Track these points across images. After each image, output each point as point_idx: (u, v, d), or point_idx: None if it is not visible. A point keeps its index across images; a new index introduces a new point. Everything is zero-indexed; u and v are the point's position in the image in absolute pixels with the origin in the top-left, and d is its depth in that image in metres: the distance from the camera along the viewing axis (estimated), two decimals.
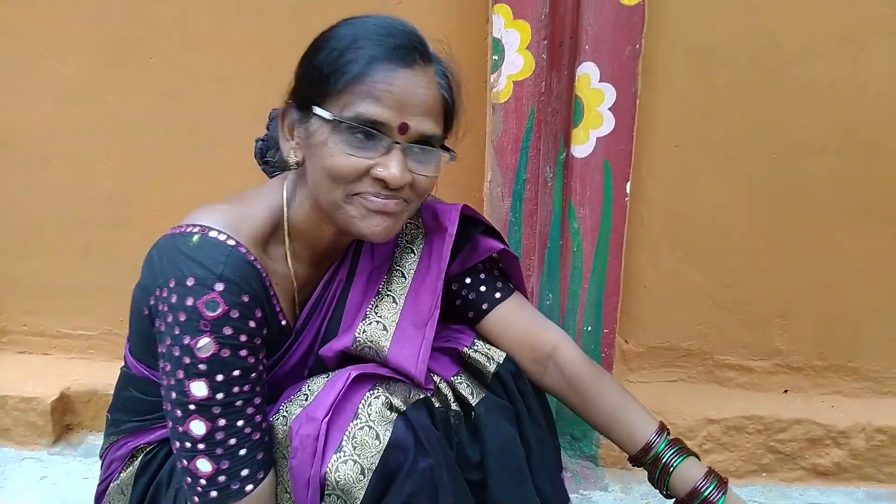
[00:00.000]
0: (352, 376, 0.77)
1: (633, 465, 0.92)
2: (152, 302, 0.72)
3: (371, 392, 0.78)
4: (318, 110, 0.72)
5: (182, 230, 0.73)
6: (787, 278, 1.43)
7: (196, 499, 0.74)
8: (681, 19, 1.31)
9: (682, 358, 1.53)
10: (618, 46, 1.22)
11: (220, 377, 0.71)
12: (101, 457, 0.94)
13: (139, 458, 0.88)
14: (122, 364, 0.89)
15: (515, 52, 1.21)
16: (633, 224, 1.42)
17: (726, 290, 1.46)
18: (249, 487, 0.74)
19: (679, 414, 1.45)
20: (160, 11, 1.39)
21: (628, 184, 1.31)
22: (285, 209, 0.79)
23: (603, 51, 1.23)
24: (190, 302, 0.69)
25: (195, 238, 0.71)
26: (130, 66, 1.43)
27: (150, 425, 0.86)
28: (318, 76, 0.72)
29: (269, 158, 0.93)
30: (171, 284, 0.70)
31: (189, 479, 0.74)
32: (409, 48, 0.73)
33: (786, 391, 1.50)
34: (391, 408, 0.77)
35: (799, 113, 1.35)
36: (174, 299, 0.69)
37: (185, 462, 0.73)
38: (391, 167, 0.72)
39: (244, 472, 0.73)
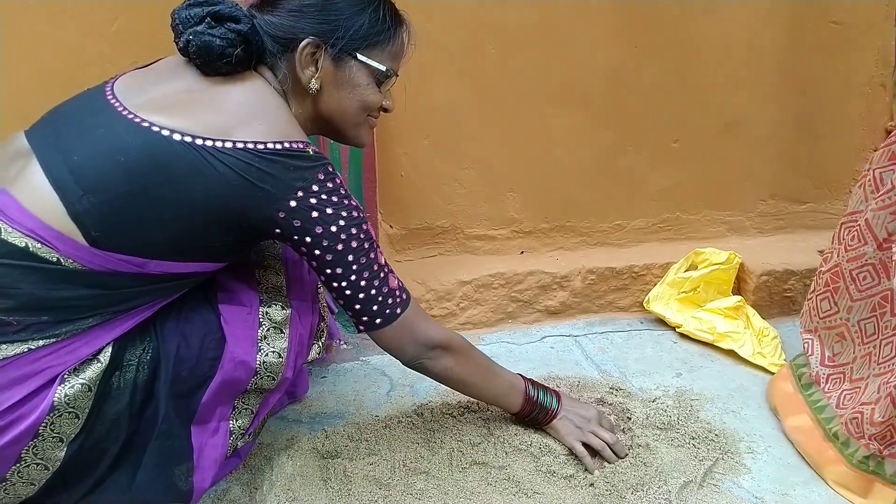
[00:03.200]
0: None
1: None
2: (293, 204, 0.91)
3: None
4: (367, 60, 1.00)
5: (292, 146, 0.92)
6: (513, 157, 1.72)
7: (399, 310, 1.03)
8: None
9: (438, 235, 1.77)
10: None
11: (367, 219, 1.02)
12: None
13: (107, 352, 0.90)
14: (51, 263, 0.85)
15: None
16: (383, 119, 1.58)
17: (466, 171, 1.71)
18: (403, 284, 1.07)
19: (438, 281, 1.69)
20: None
21: None
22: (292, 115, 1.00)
23: None
24: (339, 180, 0.96)
25: (309, 150, 0.94)
26: None
27: (110, 319, 0.91)
28: (364, 33, 0.99)
29: (231, 56, 0.93)
30: (322, 177, 0.93)
31: (391, 300, 1.02)
32: (401, 13, 1.05)
33: (522, 252, 1.82)
34: None
35: (508, 13, 1.59)
36: (331, 184, 0.94)
37: (384, 289, 1.01)
38: (392, 102, 1.10)
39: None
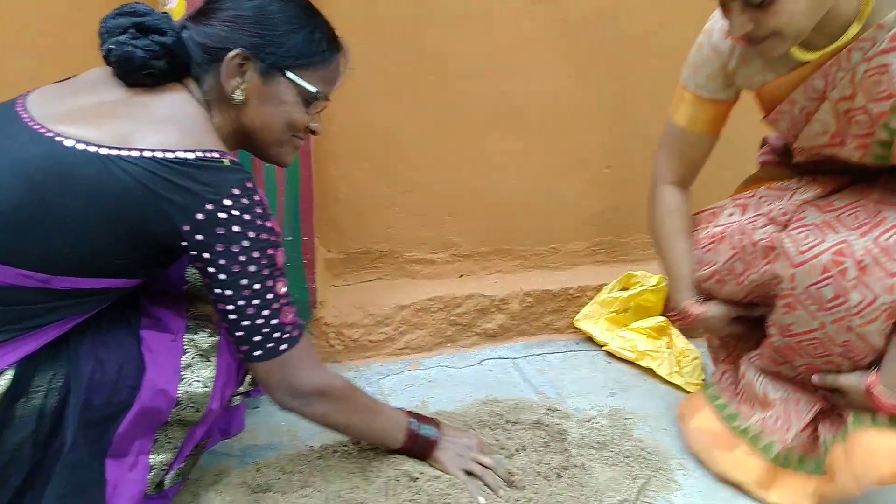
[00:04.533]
0: None
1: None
2: (199, 217, 0.87)
3: None
4: (295, 79, 0.98)
5: (205, 155, 0.89)
6: (452, 182, 1.74)
7: (284, 346, 0.97)
8: None
9: (377, 259, 1.76)
10: None
11: (282, 244, 0.97)
12: None
13: (8, 375, 0.87)
14: None
15: None
16: (321, 140, 1.58)
17: (405, 195, 1.71)
18: (301, 321, 1.01)
19: (377, 306, 1.67)
20: None
21: None
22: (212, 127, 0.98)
23: None
24: (258, 198, 0.92)
25: (225, 161, 0.90)
26: None
27: (14, 337, 0.88)
28: (297, 52, 0.98)
29: (154, 68, 0.91)
30: (237, 192, 0.89)
31: (277, 334, 0.96)
32: (340, 39, 1.05)
33: (461, 276, 1.84)
34: None
35: (446, 42, 1.62)
36: (246, 201, 0.90)
37: (273, 322, 0.95)
38: (321, 124, 1.07)
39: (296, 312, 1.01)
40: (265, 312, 0.94)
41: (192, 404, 0.99)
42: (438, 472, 1.17)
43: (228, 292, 0.92)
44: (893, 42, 0.99)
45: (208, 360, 1.01)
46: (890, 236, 1.06)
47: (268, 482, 1.17)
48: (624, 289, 1.79)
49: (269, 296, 0.94)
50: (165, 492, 1.07)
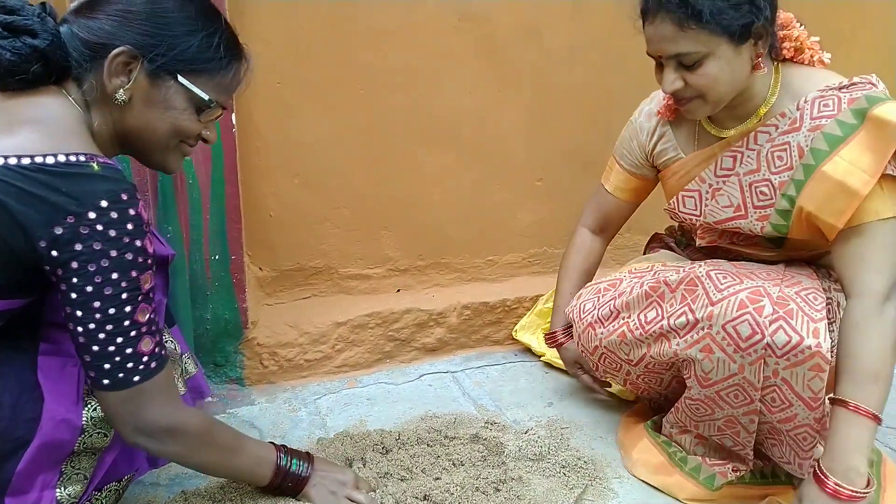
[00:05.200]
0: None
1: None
2: (58, 231, 0.79)
3: None
4: (187, 84, 0.92)
5: (68, 159, 0.81)
6: (386, 195, 1.73)
7: (137, 377, 0.88)
8: None
9: (311, 276, 1.72)
10: None
11: (153, 266, 0.89)
12: None
13: None
14: None
15: None
16: (248, 156, 1.54)
17: (339, 210, 1.69)
18: (165, 353, 0.93)
19: (312, 324, 1.64)
20: None
21: (234, 115, 1.41)
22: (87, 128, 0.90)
23: None
24: (133, 212, 0.84)
25: (95, 165, 0.83)
26: None
27: None
28: (191, 56, 0.91)
29: (26, 73, 0.84)
30: (104, 204, 0.81)
31: (131, 364, 0.87)
32: (242, 46, 0.99)
33: (398, 290, 1.82)
34: None
35: (374, 56, 1.61)
36: (114, 215, 0.81)
37: (128, 350, 0.87)
38: (214, 133, 1.02)
39: (162, 342, 0.93)
40: (119, 339, 0.86)
41: (98, 430, 0.93)
42: None
43: (79, 313, 0.83)
44: (793, 125, 1.14)
45: None
46: (808, 292, 1.09)
47: None
48: None
49: (126, 322, 0.86)
50: None
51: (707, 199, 1.26)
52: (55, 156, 0.81)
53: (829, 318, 1.10)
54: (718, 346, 1.11)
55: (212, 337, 1.53)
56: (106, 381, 0.87)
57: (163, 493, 1.20)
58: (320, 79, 1.58)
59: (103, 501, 1.03)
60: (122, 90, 0.89)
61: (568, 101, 1.82)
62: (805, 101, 1.13)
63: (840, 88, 1.12)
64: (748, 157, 1.19)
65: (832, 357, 1.07)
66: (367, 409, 1.53)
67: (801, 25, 1.20)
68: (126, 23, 0.88)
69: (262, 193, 1.60)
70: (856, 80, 1.12)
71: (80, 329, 0.84)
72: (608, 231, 1.53)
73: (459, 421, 1.43)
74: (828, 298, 1.13)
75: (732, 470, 1.23)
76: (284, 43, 1.52)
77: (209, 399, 1.49)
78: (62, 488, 0.93)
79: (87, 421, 0.92)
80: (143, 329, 0.88)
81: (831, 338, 1.09)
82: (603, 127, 1.85)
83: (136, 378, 0.88)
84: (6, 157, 0.79)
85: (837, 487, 1.01)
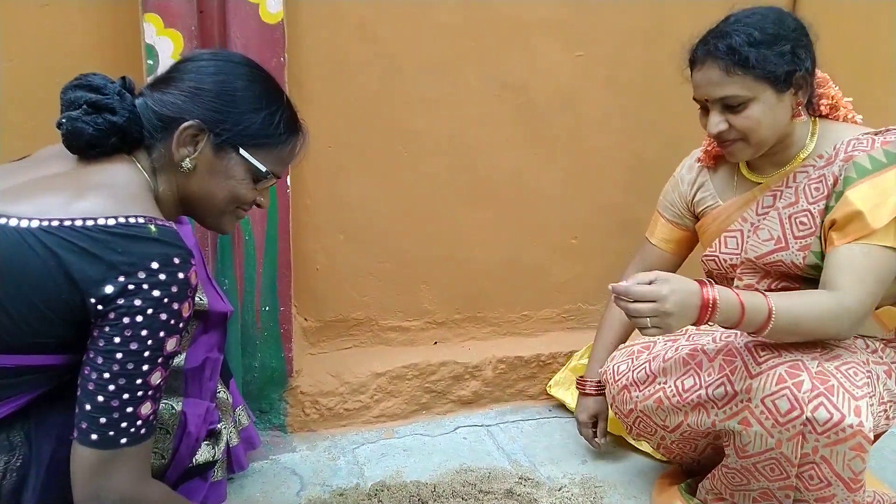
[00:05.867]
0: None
1: None
2: (109, 290, 0.83)
3: None
4: (248, 157, 0.99)
5: (128, 221, 0.86)
6: (426, 251, 1.80)
7: (125, 440, 0.88)
8: (319, 39, 1.57)
9: (353, 327, 1.80)
10: (265, 59, 1.41)
11: (183, 332, 0.91)
12: None
13: None
14: None
15: (169, 57, 1.33)
16: (299, 213, 1.64)
17: (381, 265, 1.77)
18: (155, 422, 0.93)
19: (353, 373, 1.70)
20: None
21: (289, 177, 1.52)
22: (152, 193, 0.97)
23: None
24: (181, 276, 0.87)
25: (152, 227, 0.87)
26: None
27: None
28: (254, 132, 0.99)
29: (104, 146, 0.93)
30: (155, 266, 0.85)
31: (125, 424, 0.87)
32: (300, 122, 1.07)
33: (435, 343, 1.87)
34: None
35: (420, 122, 1.72)
36: (163, 276, 0.85)
37: (128, 409, 0.87)
38: (267, 199, 1.08)
39: (157, 410, 0.93)
40: (124, 396, 0.86)
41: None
42: None
43: (99, 360, 0.85)
44: (829, 162, 1.21)
45: (168, 433, 1.01)
46: (849, 367, 1.11)
47: None
48: None
49: (138, 381, 0.87)
50: None
51: (749, 235, 1.30)
52: (116, 217, 0.86)
53: (870, 394, 1.10)
54: (757, 420, 1.12)
55: (259, 384, 1.60)
56: (94, 437, 0.86)
57: None
58: (368, 143, 1.69)
59: None
60: (188, 159, 0.96)
61: (601, 164, 1.90)
62: (841, 144, 1.20)
63: (876, 134, 1.19)
64: (787, 193, 1.25)
65: (874, 437, 1.08)
66: (404, 461, 1.57)
67: (835, 86, 1.27)
68: (197, 99, 0.96)
69: (310, 248, 1.70)
70: (892, 128, 1.20)
71: (93, 376, 0.86)
72: None
73: (494, 475, 1.46)
74: (867, 372, 1.13)
75: None
76: (337, 109, 1.63)
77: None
78: None
79: None
80: (150, 392, 0.89)
81: (873, 414, 1.09)
82: (635, 187, 1.91)
83: (124, 440, 0.87)
84: (74, 220, 0.85)
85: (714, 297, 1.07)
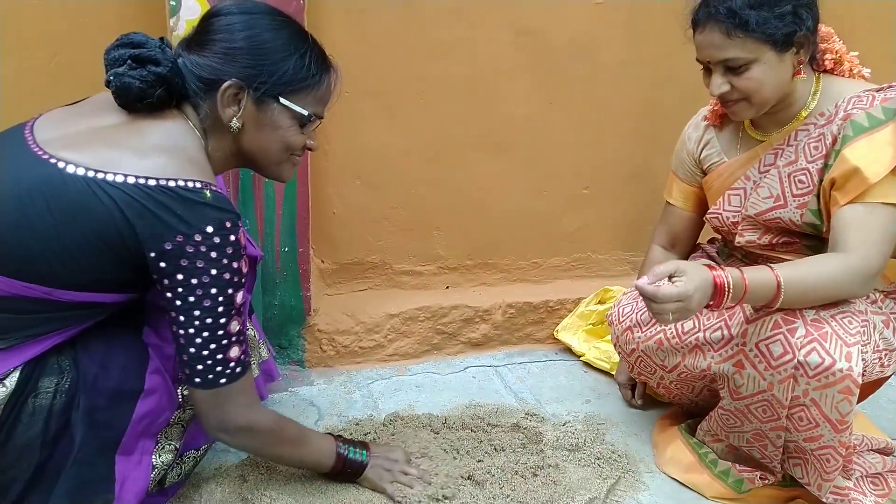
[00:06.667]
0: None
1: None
2: (167, 247, 0.92)
3: None
4: (289, 104, 1.03)
5: (186, 185, 0.93)
6: (440, 198, 1.84)
7: (223, 380, 1.00)
8: None
9: (368, 270, 1.86)
10: (284, 2, 1.42)
11: (246, 285, 1.01)
12: None
13: (14, 377, 0.93)
14: None
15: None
16: (317, 158, 1.68)
17: (395, 211, 1.81)
18: (248, 359, 1.05)
19: (367, 314, 1.77)
20: None
21: None
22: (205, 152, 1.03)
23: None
24: (233, 238, 0.95)
25: (208, 192, 0.94)
26: None
27: (20, 343, 0.94)
28: (289, 78, 1.02)
29: (152, 97, 0.96)
30: (210, 230, 0.93)
31: (220, 368, 0.99)
32: (329, 59, 1.10)
33: (447, 287, 1.93)
34: None
35: (436, 67, 1.73)
36: (217, 240, 0.93)
37: (219, 356, 0.98)
38: (316, 142, 1.14)
39: (247, 350, 1.05)
40: (212, 346, 0.98)
41: (190, 406, 1.08)
42: None
43: (181, 318, 0.96)
44: (829, 120, 1.22)
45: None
46: (844, 315, 1.14)
47: (259, 475, 1.26)
48: (601, 302, 1.90)
49: (220, 332, 0.97)
50: (166, 490, 1.15)
51: (751, 193, 1.32)
52: (176, 181, 0.93)
53: (863, 342, 1.14)
54: (750, 363, 1.17)
55: (278, 322, 1.68)
56: (197, 380, 1.00)
57: (232, 458, 1.34)
58: (385, 88, 1.70)
59: (184, 468, 1.17)
60: (235, 119, 1.01)
61: (617, 114, 1.90)
62: (843, 101, 1.21)
63: (878, 90, 1.20)
64: (788, 151, 1.27)
65: (862, 381, 1.11)
66: (416, 396, 1.65)
67: (840, 41, 1.27)
68: (230, 59, 1.00)
69: (327, 193, 1.74)
70: (894, 84, 1.20)
71: (180, 332, 0.97)
72: (679, 246, 1.56)
73: (501, 411, 1.53)
74: (863, 321, 1.17)
75: (760, 477, 1.29)
76: (354, 55, 1.64)
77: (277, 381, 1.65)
78: (157, 456, 1.07)
79: (182, 398, 1.07)
80: (233, 339, 1.00)
81: (865, 361, 1.13)
82: (650, 139, 1.92)
83: (223, 381, 1.00)
84: (137, 178, 0.91)
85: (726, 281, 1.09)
